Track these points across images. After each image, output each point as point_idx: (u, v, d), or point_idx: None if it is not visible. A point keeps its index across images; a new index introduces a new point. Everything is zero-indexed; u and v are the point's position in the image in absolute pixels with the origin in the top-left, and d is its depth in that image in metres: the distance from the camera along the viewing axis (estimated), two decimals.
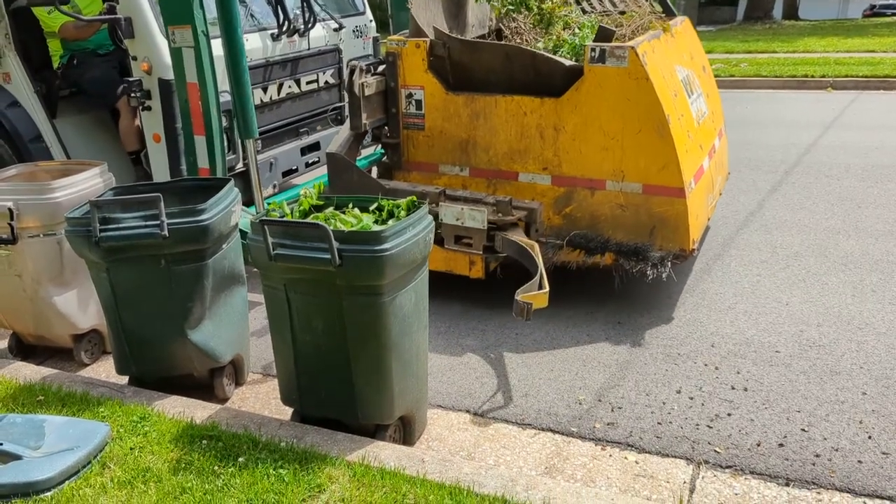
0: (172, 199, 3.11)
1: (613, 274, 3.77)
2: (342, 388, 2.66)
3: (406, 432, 2.88)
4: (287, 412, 2.99)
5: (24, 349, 3.78)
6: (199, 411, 2.98)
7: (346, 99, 4.27)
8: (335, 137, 4.16)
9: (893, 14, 32.23)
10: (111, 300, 3.03)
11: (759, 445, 2.87)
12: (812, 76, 11.40)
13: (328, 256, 2.41)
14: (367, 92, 3.99)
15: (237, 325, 3.32)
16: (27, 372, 3.40)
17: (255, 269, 2.72)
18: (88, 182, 3.50)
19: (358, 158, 5.64)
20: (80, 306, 3.57)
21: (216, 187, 3.14)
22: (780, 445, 2.87)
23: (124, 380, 3.31)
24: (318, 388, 2.73)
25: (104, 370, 3.63)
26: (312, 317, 2.61)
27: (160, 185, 3.37)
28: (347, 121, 4.14)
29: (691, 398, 3.21)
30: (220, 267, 3.11)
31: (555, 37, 4.17)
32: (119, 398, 3.08)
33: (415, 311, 2.68)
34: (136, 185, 3.39)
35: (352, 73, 3.93)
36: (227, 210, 3.05)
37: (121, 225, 2.88)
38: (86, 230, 2.88)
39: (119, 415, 2.93)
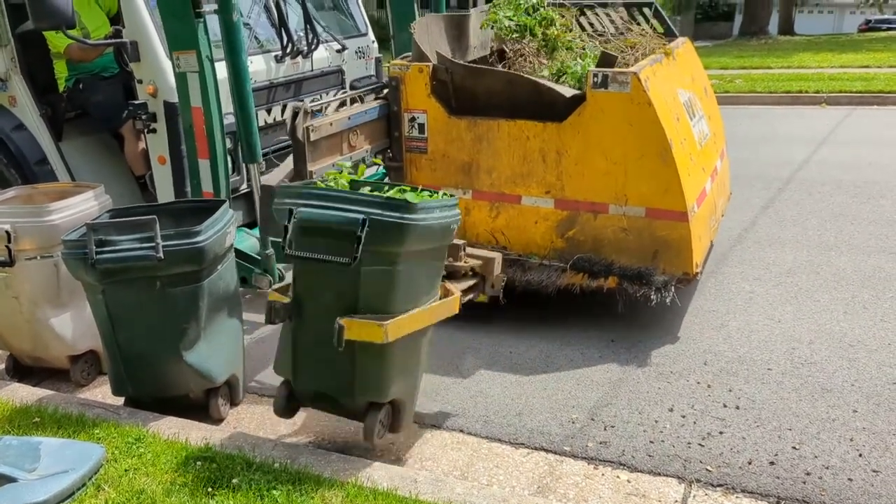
0: (169, 220, 3.16)
1: (617, 298, 3.81)
2: (342, 363, 2.68)
3: (395, 418, 2.90)
4: (280, 430, 3.04)
5: (20, 370, 3.80)
6: (194, 432, 3.01)
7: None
8: (276, 170, 3.89)
9: (889, 29, 32.50)
10: (107, 322, 3.07)
11: (750, 464, 2.91)
12: (806, 92, 11.50)
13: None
14: (314, 137, 3.61)
15: (232, 345, 3.36)
16: (24, 393, 3.42)
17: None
18: (85, 204, 3.54)
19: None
20: (76, 328, 3.60)
21: (212, 209, 3.18)
22: (772, 464, 2.90)
23: (120, 401, 3.34)
24: (313, 363, 2.77)
25: (100, 391, 3.65)
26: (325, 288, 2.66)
27: (157, 207, 3.42)
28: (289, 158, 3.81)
29: (683, 416, 3.25)
30: (216, 288, 3.15)
31: (559, 62, 4.22)
32: (114, 419, 3.11)
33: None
34: (132, 207, 3.43)
35: (294, 115, 3.53)
36: (223, 231, 3.09)
37: (117, 247, 2.92)
38: (82, 252, 2.92)
39: (114, 436, 2.96)
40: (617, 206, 3.78)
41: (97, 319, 3.14)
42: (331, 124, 3.80)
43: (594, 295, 3.88)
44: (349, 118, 3.92)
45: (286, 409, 2.94)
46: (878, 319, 4.07)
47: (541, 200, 3.97)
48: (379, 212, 2.52)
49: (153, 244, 2.90)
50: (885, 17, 38.43)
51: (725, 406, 3.31)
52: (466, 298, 3.30)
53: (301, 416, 3.37)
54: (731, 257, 5.05)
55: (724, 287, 4.58)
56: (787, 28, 33.55)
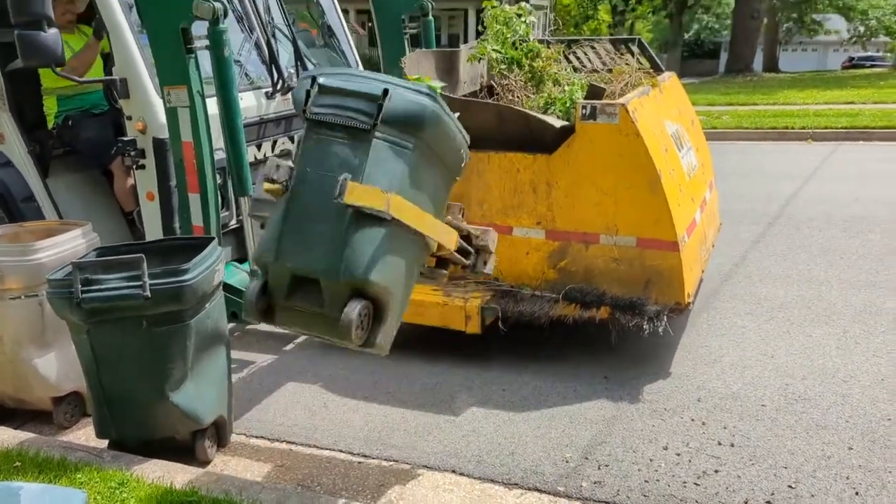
0: (157, 258, 3.11)
1: (610, 328, 3.78)
2: (332, 236, 2.44)
3: (374, 324, 2.55)
4: (268, 472, 2.93)
5: (2, 412, 3.71)
6: (179, 475, 2.93)
7: None
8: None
9: (872, 66, 33.19)
10: (92, 362, 3.01)
11: (746, 503, 2.85)
12: (792, 128, 11.66)
13: None
14: None
15: (220, 385, 3.29)
16: (5, 437, 3.33)
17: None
18: (72, 243, 3.50)
19: None
20: (60, 368, 3.53)
21: (201, 246, 3.15)
22: (768, 503, 2.84)
23: (104, 443, 3.25)
24: (301, 238, 2.50)
25: (84, 433, 3.56)
26: None
27: (145, 244, 3.38)
28: None
29: (678, 455, 3.19)
30: (203, 327, 3.10)
31: (546, 94, 4.26)
32: (97, 463, 3.02)
33: None
34: (120, 245, 3.40)
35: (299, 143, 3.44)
36: (211, 269, 3.05)
37: (103, 286, 2.87)
38: (67, 291, 2.86)
39: (97, 481, 2.87)
40: (608, 236, 3.77)
41: (81, 360, 3.07)
42: None
43: (587, 326, 3.85)
44: None
45: (258, 307, 2.57)
46: (870, 354, 4.05)
47: (532, 231, 3.96)
48: (404, 88, 2.47)
49: (140, 283, 2.86)
50: (868, 54, 39.26)
51: (720, 444, 3.26)
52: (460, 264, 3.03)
53: (290, 456, 3.31)
54: (723, 292, 5.04)
55: (716, 322, 4.55)
56: (771, 65, 34.20)
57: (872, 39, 39.50)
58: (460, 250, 2.92)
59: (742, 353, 4.11)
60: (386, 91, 2.43)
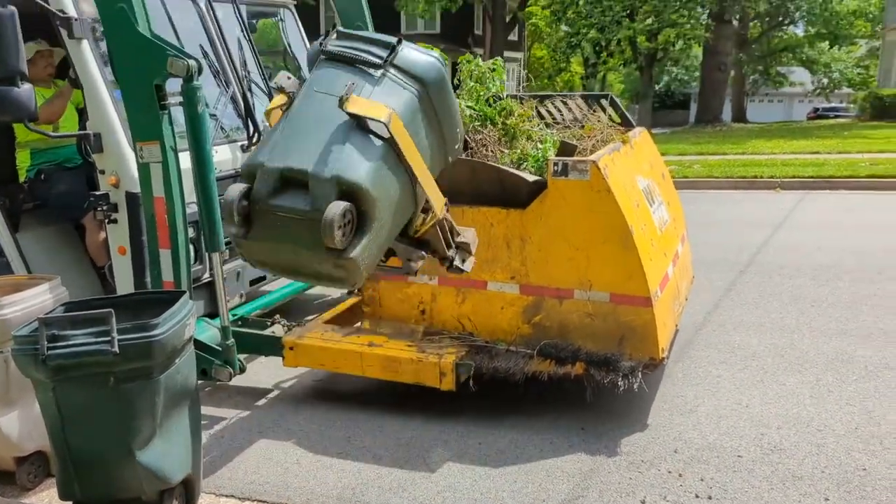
0: (127, 313, 3.07)
1: (585, 385, 3.77)
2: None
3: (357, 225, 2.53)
4: None
5: None
6: None
7: None
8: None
9: (836, 117, 34.19)
10: (57, 421, 2.92)
11: None
12: (761, 177, 11.93)
13: None
14: None
15: (189, 443, 3.21)
16: None
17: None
18: (39, 298, 3.44)
19: None
20: (23, 427, 3.43)
21: (171, 300, 3.11)
22: None
23: None
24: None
25: (47, 495, 3.45)
26: None
27: (115, 299, 3.34)
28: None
29: None
30: (173, 383, 3.04)
31: (519, 150, 4.32)
32: None
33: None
34: (89, 300, 3.35)
35: None
36: (182, 323, 3.01)
37: (70, 342, 2.82)
38: (33, 348, 2.80)
39: None
40: (582, 291, 3.80)
41: (46, 418, 2.99)
42: None
43: (562, 382, 3.84)
44: None
45: (239, 209, 2.54)
46: (843, 403, 4.08)
47: (506, 286, 3.97)
48: (416, 47, 2.71)
49: (109, 338, 2.81)
50: (832, 105, 40.52)
51: (697, 497, 3.24)
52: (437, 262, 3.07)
53: None
54: (697, 341, 5.07)
55: (691, 371, 4.57)
56: (740, 116, 35.11)
57: (836, 91, 40.81)
58: (442, 242, 2.97)
59: (717, 403, 4.12)
60: (400, 40, 2.65)
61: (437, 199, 2.83)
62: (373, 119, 2.51)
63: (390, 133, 2.52)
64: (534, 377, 3.81)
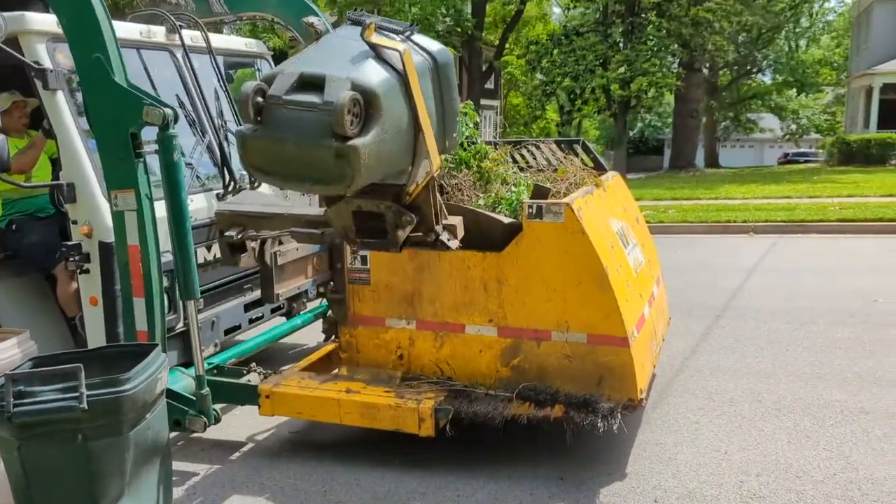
0: (98, 367, 3.02)
1: (565, 427, 3.73)
2: None
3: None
4: None
5: None
6: None
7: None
8: None
9: (806, 161, 34.97)
10: (21, 480, 2.84)
11: None
12: (734, 221, 12.11)
13: None
14: (282, 260, 3.82)
15: (159, 500, 3.13)
16: None
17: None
18: (6, 353, 3.39)
19: (303, 312, 5.67)
20: None
21: (144, 353, 3.06)
22: None
23: None
24: None
25: None
26: None
27: (85, 352, 3.28)
28: None
29: None
30: (143, 438, 2.97)
31: (494, 193, 4.36)
32: None
33: None
34: (58, 354, 3.29)
35: (262, 241, 3.69)
36: (153, 377, 2.96)
37: (37, 398, 2.75)
38: None
39: None
40: (559, 332, 3.79)
41: (11, 478, 2.89)
42: (297, 249, 3.91)
43: (541, 425, 3.80)
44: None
45: (253, 102, 2.68)
46: (820, 448, 4.08)
47: (484, 329, 3.96)
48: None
49: (77, 394, 2.75)
50: (802, 150, 41.47)
51: None
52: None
53: None
54: (675, 387, 5.06)
55: (669, 418, 4.55)
56: (712, 161, 35.80)
57: (804, 137, 41.87)
58: (433, 210, 3.10)
59: (696, 450, 4.10)
60: (415, 23, 3.02)
61: (435, 156, 2.92)
62: (389, 48, 2.74)
63: (403, 66, 2.71)
64: (513, 420, 3.77)
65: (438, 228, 3.13)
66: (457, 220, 3.24)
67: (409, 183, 2.96)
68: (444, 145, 3.07)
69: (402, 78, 2.73)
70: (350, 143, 2.57)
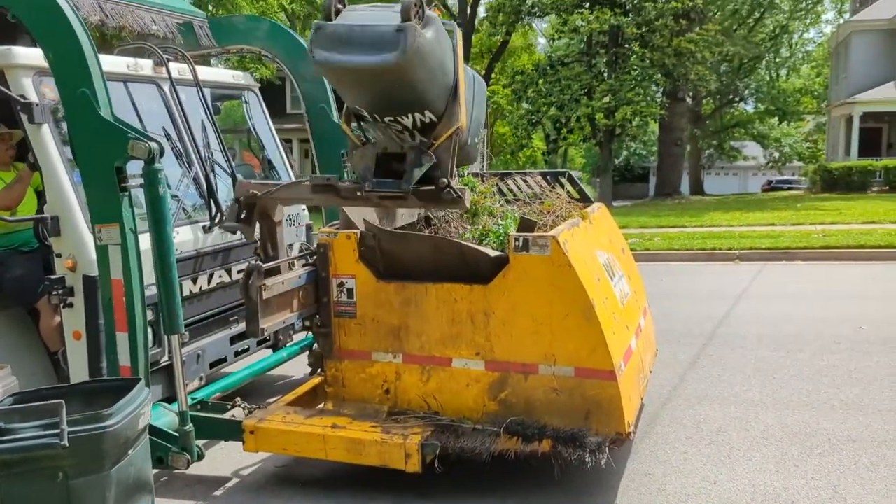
0: (80, 402, 2.98)
1: (553, 462, 3.71)
2: None
3: None
4: None
5: None
6: None
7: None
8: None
9: (789, 188, 35.39)
10: None
11: None
12: (720, 248, 12.20)
13: None
14: (267, 294, 3.81)
15: None
16: None
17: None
18: None
19: (289, 344, 5.63)
20: None
21: (126, 388, 3.03)
22: None
23: None
24: None
25: None
26: None
27: (67, 388, 3.24)
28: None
29: None
30: (125, 476, 2.92)
31: (481, 226, 4.37)
32: None
33: None
34: (40, 389, 3.24)
35: (248, 274, 3.72)
36: (136, 413, 2.92)
37: (17, 435, 2.70)
38: None
39: None
40: (546, 366, 3.78)
41: None
42: (283, 283, 3.93)
43: (529, 461, 3.78)
44: (299, 276, 4.08)
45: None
46: (808, 477, 4.07)
47: (471, 362, 3.94)
48: None
49: (58, 431, 2.71)
50: (785, 177, 41.98)
51: None
52: None
53: None
54: (663, 416, 5.05)
55: (658, 448, 4.53)
56: (697, 188, 36.16)
57: (787, 164, 42.41)
58: (451, 161, 3.51)
59: (685, 481, 4.08)
60: None
61: (463, 118, 3.46)
62: (446, 21, 3.37)
63: (455, 39, 3.40)
64: (501, 455, 3.74)
65: (453, 181, 3.47)
66: (466, 193, 3.62)
67: (438, 126, 3.48)
68: (467, 139, 3.52)
69: (452, 45, 3.39)
70: (410, 23, 3.15)
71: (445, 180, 3.47)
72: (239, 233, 5.07)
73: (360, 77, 3.33)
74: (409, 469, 3.72)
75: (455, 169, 3.56)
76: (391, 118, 3.50)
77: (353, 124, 3.78)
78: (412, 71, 3.21)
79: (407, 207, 3.85)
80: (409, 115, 3.45)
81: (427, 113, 3.43)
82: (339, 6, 3.35)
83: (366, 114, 3.59)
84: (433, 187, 3.52)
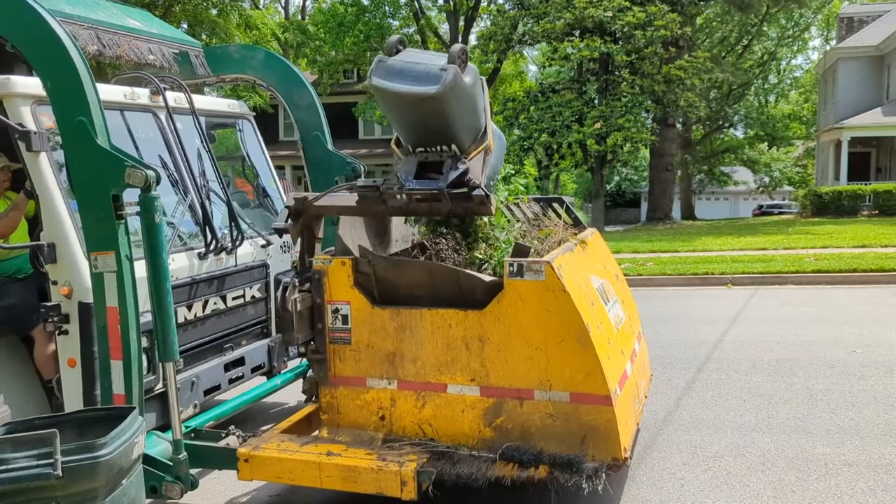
0: (73, 432, 2.97)
1: (549, 488, 3.69)
2: None
3: None
4: None
5: None
6: None
7: (275, 314, 4.45)
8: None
9: (780, 213, 35.62)
10: None
11: None
12: (713, 273, 12.24)
13: None
14: (300, 307, 4.09)
15: None
16: None
17: None
18: None
19: (283, 371, 5.61)
20: None
21: (120, 417, 3.01)
22: None
23: None
24: None
25: None
26: None
27: (61, 417, 3.22)
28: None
29: None
30: None
31: (479, 252, 4.38)
32: None
33: None
34: (33, 418, 3.22)
35: (285, 289, 4.04)
36: (130, 442, 2.91)
37: (9, 466, 2.69)
38: None
39: None
40: (542, 391, 3.78)
41: None
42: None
43: (526, 487, 3.76)
44: None
45: None
46: (806, 503, 4.07)
47: (466, 388, 3.94)
48: None
49: (51, 461, 2.69)
50: (776, 202, 42.29)
51: None
52: None
53: None
54: (659, 442, 5.05)
55: (654, 474, 4.52)
56: (688, 213, 36.36)
57: (777, 189, 42.76)
58: (482, 168, 4.01)
59: None
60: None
61: (491, 139, 4.06)
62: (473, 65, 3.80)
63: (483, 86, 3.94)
64: (497, 482, 3.73)
65: (482, 184, 3.90)
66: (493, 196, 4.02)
67: (470, 144, 3.96)
68: (483, 182, 3.93)
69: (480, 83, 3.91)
70: (454, 65, 3.64)
71: (476, 181, 3.88)
72: (234, 259, 5.11)
73: (405, 102, 3.80)
74: (404, 497, 3.70)
75: (484, 179, 3.99)
76: (422, 149, 3.98)
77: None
78: (447, 104, 3.70)
79: (439, 212, 4.14)
80: (438, 147, 3.93)
81: (453, 146, 3.90)
82: (400, 47, 3.92)
83: (403, 143, 4.13)
84: (465, 189, 3.90)
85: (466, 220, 4.50)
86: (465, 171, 3.88)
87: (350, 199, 4.25)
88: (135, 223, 3.75)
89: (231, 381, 5.10)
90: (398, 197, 3.97)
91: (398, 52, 3.91)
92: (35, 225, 4.55)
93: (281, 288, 4.07)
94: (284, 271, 5.57)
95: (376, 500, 3.80)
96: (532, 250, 4.05)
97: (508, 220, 5.28)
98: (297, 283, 4.09)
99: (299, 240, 4.51)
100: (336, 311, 4.14)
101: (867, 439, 4.95)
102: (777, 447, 4.86)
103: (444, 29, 31.40)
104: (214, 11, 21.68)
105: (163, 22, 6.27)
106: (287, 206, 4.42)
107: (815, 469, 4.50)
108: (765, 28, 33.93)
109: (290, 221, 4.39)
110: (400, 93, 3.75)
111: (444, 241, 4.41)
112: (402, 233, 5.01)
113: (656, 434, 5.18)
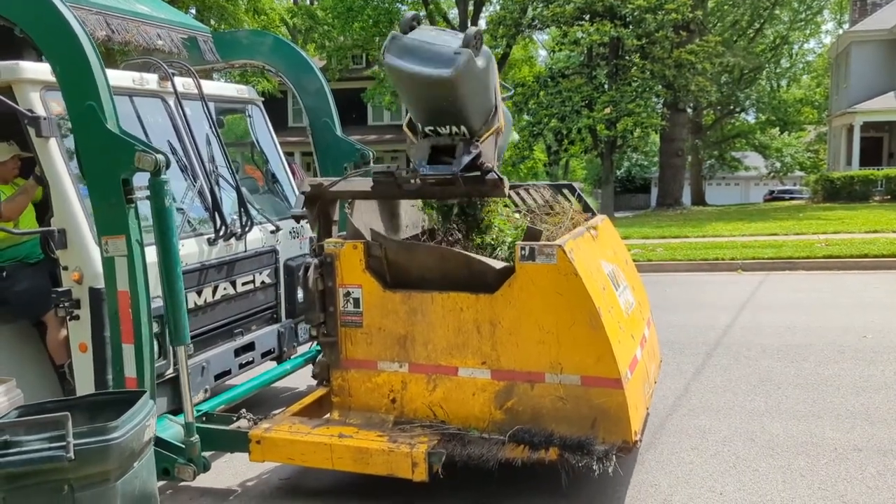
0: (85, 415, 3.00)
1: (560, 470, 3.70)
2: None
3: None
4: None
5: None
6: None
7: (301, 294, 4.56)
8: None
9: (791, 198, 35.40)
10: None
11: None
12: (723, 259, 12.18)
13: None
14: (320, 286, 4.19)
15: None
16: None
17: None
18: None
19: (294, 356, 5.63)
20: None
21: (132, 400, 3.03)
22: None
23: None
24: None
25: None
26: None
27: (73, 400, 3.25)
28: None
29: None
30: (130, 488, 2.92)
31: (491, 236, 4.38)
32: None
33: None
34: (46, 402, 3.25)
35: (306, 270, 4.15)
36: (141, 425, 2.93)
37: (23, 448, 2.71)
38: None
39: None
40: (553, 374, 3.78)
41: None
42: None
43: (536, 468, 3.77)
44: None
45: None
46: (815, 487, 4.06)
47: (477, 371, 3.94)
48: None
49: (64, 443, 2.71)
50: (787, 187, 41.99)
51: None
52: None
53: None
54: (668, 427, 5.04)
55: (664, 458, 4.52)
56: (699, 199, 36.16)
57: (788, 174, 42.42)
58: (494, 152, 4.02)
59: (691, 492, 4.06)
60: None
61: (502, 120, 4.03)
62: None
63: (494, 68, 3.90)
64: (507, 464, 3.74)
65: (495, 168, 3.91)
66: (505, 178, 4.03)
67: (482, 127, 3.94)
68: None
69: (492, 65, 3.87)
70: (468, 49, 3.62)
71: (489, 165, 3.88)
72: (244, 245, 5.13)
73: (417, 83, 3.78)
74: (415, 478, 3.72)
75: (496, 162, 4.00)
76: (431, 128, 3.95)
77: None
78: (460, 88, 3.69)
79: (454, 195, 4.15)
80: (448, 127, 3.91)
81: (462, 128, 3.87)
82: (415, 24, 3.89)
83: (415, 123, 4.11)
84: (478, 172, 3.90)
85: (477, 207, 4.50)
86: (479, 155, 3.87)
87: (365, 184, 4.26)
88: (145, 209, 3.76)
89: (241, 366, 5.12)
90: (413, 181, 3.97)
91: (413, 28, 3.88)
92: (44, 210, 4.57)
93: (303, 268, 4.20)
94: (294, 256, 5.59)
95: (387, 481, 3.82)
96: (543, 234, 4.04)
97: (517, 206, 5.27)
98: (317, 265, 4.16)
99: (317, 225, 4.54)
100: (347, 294, 4.14)
101: (877, 424, 4.93)
102: (786, 432, 4.85)
103: (454, 14, 31.20)
104: None
105: (171, 7, 6.25)
106: (303, 192, 4.44)
107: (825, 454, 4.49)
108: (777, 11, 33.51)
109: (304, 208, 4.42)
110: (413, 73, 3.72)
111: (454, 226, 4.41)
112: (413, 218, 5.01)
113: (665, 419, 5.18)
